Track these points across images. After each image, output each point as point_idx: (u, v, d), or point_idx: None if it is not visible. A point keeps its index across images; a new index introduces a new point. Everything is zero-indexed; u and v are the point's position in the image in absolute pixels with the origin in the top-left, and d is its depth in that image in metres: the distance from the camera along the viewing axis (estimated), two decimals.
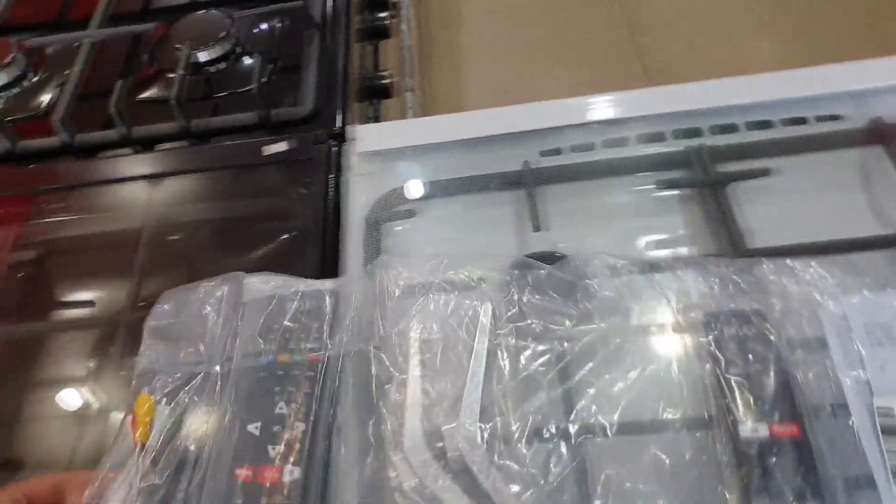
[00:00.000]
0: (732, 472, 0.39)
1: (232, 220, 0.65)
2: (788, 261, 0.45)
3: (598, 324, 0.44)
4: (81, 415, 0.53)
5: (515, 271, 0.47)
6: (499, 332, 0.45)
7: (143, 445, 0.43)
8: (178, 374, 0.47)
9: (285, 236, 0.59)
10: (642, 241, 0.53)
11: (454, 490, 0.39)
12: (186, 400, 0.46)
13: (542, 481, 0.39)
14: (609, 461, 0.40)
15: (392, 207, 0.58)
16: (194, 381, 0.47)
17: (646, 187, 0.56)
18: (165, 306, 0.51)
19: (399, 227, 0.57)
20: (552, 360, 0.44)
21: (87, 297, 0.60)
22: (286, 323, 0.48)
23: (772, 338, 0.42)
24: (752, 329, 0.43)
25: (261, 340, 0.47)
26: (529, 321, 0.45)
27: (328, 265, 0.55)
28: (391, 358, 0.45)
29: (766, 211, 0.53)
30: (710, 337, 0.43)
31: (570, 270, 0.47)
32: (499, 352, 0.44)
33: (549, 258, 0.49)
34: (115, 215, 0.66)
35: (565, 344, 0.44)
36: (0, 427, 0.54)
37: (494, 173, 0.58)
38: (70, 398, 0.54)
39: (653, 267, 0.47)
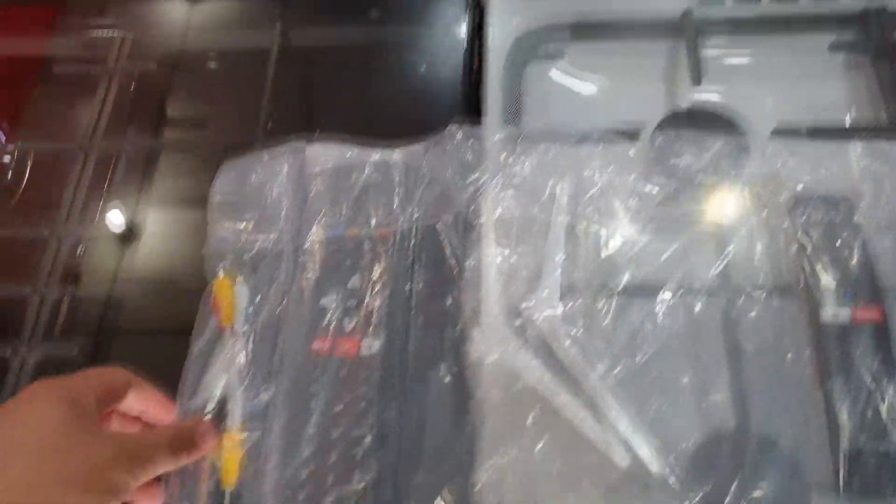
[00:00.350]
0: (812, 352, 0.40)
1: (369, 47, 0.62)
2: (885, 143, 0.43)
3: (685, 205, 0.44)
4: None
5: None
6: (579, 209, 0.44)
7: (230, 329, 0.44)
8: (250, 251, 0.47)
9: (423, 70, 0.58)
10: (801, 106, 0.50)
11: (535, 366, 0.40)
12: (262, 277, 0.46)
13: (626, 359, 0.40)
14: (692, 339, 0.41)
15: (536, 47, 0.55)
16: (267, 257, 0.47)
17: (813, 47, 0.53)
18: (228, 179, 0.50)
19: (543, 70, 0.55)
20: (634, 240, 0.44)
21: None
22: (355, 195, 0.47)
23: (860, 224, 0.42)
24: (840, 215, 0.42)
25: (331, 213, 0.46)
26: (613, 195, 0.44)
27: (470, 104, 0.53)
28: (467, 233, 0.45)
29: None
30: (798, 220, 0.42)
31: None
32: (578, 231, 0.44)
33: (705, 114, 0.48)
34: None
35: (645, 222, 0.44)
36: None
37: (651, 20, 0.54)
38: None
39: (741, 147, 0.45)
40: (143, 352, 0.52)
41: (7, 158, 0.61)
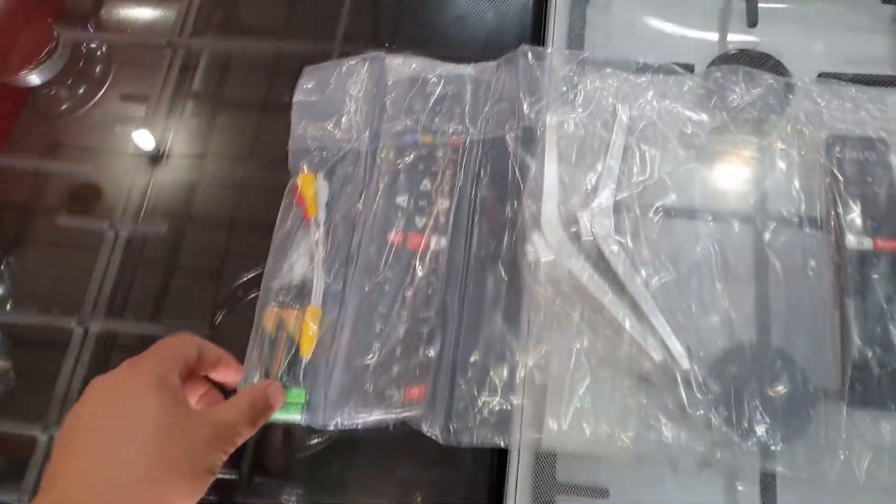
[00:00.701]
0: (833, 275, 0.45)
1: None
2: None
3: (731, 136, 0.48)
4: None
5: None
6: (635, 132, 0.48)
7: (313, 219, 0.49)
8: (331, 151, 0.52)
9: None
10: (848, 55, 0.53)
11: (586, 268, 0.45)
12: (341, 174, 0.51)
13: (667, 269, 0.45)
14: (726, 258, 0.46)
15: None
16: (346, 157, 0.51)
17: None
18: (310, 83, 0.54)
19: (606, 4, 0.57)
20: (682, 163, 0.48)
21: None
22: (430, 105, 0.51)
23: (892, 164, 0.46)
24: (873, 154, 0.46)
25: (406, 120, 0.51)
26: (666, 123, 0.48)
27: (537, 32, 0.57)
28: (531, 145, 0.49)
29: None
30: (834, 156, 0.46)
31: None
32: (635, 150, 0.48)
33: (756, 56, 0.51)
34: None
35: (693, 148, 0.48)
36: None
37: None
38: None
39: (788, 86, 0.49)
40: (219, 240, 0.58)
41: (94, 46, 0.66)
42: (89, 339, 0.53)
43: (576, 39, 0.55)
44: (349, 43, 0.58)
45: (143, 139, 0.60)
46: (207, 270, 0.57)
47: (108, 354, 0.53)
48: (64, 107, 0.63)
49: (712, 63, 0.53)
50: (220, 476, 0.39)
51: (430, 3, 0.63)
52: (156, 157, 0.59)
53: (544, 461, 0.45)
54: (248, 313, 0.49)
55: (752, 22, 0.53)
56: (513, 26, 0.59)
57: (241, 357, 0.46)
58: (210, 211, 0.59)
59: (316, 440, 0.49)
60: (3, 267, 0.58)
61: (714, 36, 0.56)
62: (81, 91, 0.64)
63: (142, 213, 0.57)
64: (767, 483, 0.42)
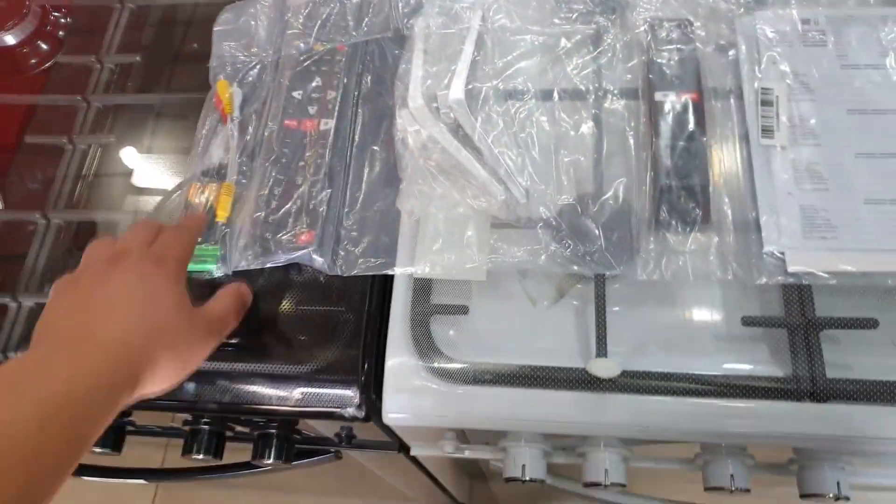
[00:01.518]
0: (646, 123, 0.54)
1: None
2: None
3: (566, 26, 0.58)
4: None
5: None
6: (489, 28, 0.59)
7: (230, 116, 0.60)
8: (243, 65, 0.63)
9: None
10: None
11: (444, 132, 0.55)
12: (253, 82, 0.62)
13: (507, 128, 0.55)
14: (553, 116, 0.56)
15: None
16: (256, 68, 0.62)
17: None
18: (228, 14, 0.65)
19: None
20: (526, 52, 0.58)
21: None
22: (321, 21, 0.62)
23: (694, 37, 0.56)
24: (680, 31, 0.56)
25: (301, 33, 0.61)
26: (515, 21, 0.59)
27: None
28: (402, 44, 0.60)
29: None
30: (648, 35, 0.56)
31: None
32: (487, 41, 0.58)
33: None
34: None
35: (538, 40, 0.59)
36: None
37: None
38: None
39: None
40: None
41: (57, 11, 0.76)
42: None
43: None
44: None
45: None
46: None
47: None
48: (32, 62, 0.74)
49: None
50: None
51: None
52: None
53: (420, 290, 0.53)
54: None
55: None
56: None
57: None
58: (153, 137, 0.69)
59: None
60: None
61: None
62: (46, 48, 0.75)
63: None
64: (599, 287, 0.51)
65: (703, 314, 0.51)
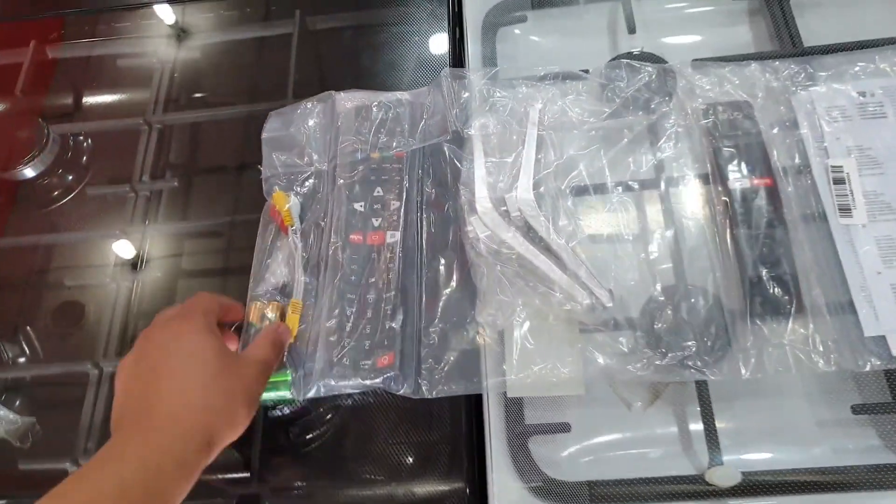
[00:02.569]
0: (723, 211, 0.54)
1: (370, 26, 0.75)
2: (776, 62, 0.58)
3: (623, 118, 0.58)
4: None
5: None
6: (546, 125, 0.58)
7: (291, 228, 0.58)
8: (297, 174, 0.61)
9: (416, 39, 0.71)
10: (715, 45, 0.64)
11: (517, 237, 0.54)
12: (309, 193, 0.60)
13: (579, 227, 0.54)
14: (624, 210, 0.56)
15: (505, 14, 0.69)
16: (311, 178, 0.61)
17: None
18: (275, 122, 0.63)
19: (510, 31, 0.69)
20: (586, 145, 0.58)
21: None
22: (374, 127, 0.60)
23: (756, 119, 0.56)
24: (741, 114, 0.56)
25: (356, 142, 0.60)
26: (571, 115, 0.58)
27: (456, 62, 0.68)
28: (461, 147, 0.58)
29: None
30: (710, 120, 0.56)
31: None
32: (547, 139, 0.58)
33: (640, 56, 0.61)
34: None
35: (596, 133, 0.58)
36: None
37: None
38: None
39: (666, 72, 0.60)
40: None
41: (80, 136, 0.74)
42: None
43: (489, 65, 0.65)
44: (299, 99, 0.66)
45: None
46: None
47: None
48: (56, 193, 0.71)
49: (606, 66, 0.62)
50: (234, 476, 0.50)
51: (363, 53, 0.72)
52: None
53: (512, 408, 0.52)
54: None
55: (631, 29, 0.63)
56: (437, 59, 0.69)
57: None
58: (200, 260, 0.66)
59: (314, 434, 0.57)
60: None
61: (604, 47, 0.66)
62: (71, 178, 0.72)
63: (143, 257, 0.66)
64: (702, 390, 0.49)
65: (806, 403, 0.50)
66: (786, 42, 0.62)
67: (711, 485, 0.46)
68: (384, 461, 0.53)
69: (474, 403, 0.53)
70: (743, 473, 0.46)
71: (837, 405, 0.49)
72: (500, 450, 0.50)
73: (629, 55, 0.62)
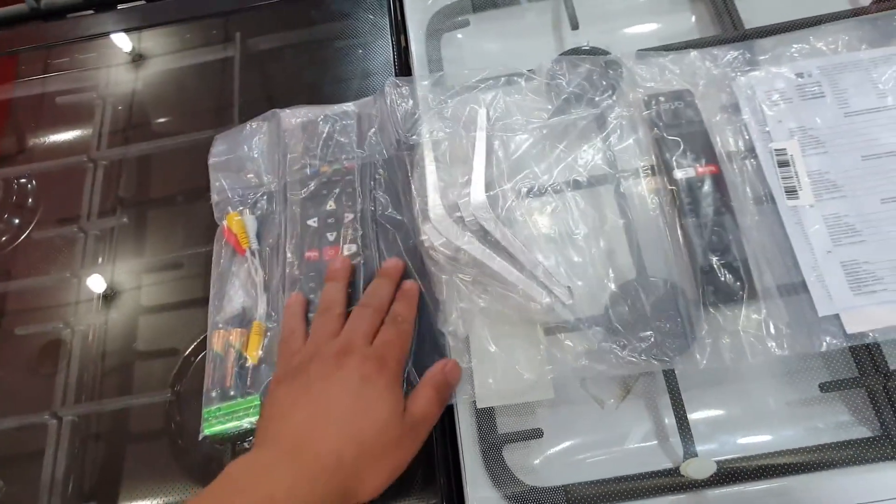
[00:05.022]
0: (670, 202, 0.53)
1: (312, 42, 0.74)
2: (714, 49, 0.58)
3: (569, 114, 0.57)
4: None
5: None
6: (494, 127, 0.57)
7: (248, 250, 0.56)
8: (248, 196, 0.59)
9: (360, 51, 0.70)
10: (657, 34, 0.64)
11: (472, 241, 0.53)
12: (260, 212, 0.58)
13: (534, 228, 0.54)
14: (577, 207, 0.55)
15: (447, 19, 0.68)
16: (262, 198, 0.59)
17: None
18: (221, 146, 0.62)
19: (453, 36, 0.68)
20: (534, 144, 0.57)
21: None
22: (322, 141, 0.59)
23: (698, 107, 0.56)
24: (682, 103, 0.56)
25: (305, 157, 0.58)
26: (517, 116, 0.57)
27: (403, 70, 0.67)
28: (412, 156, 0.57)
29: None
30: (651, 111, 0.56)
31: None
32: (496, 141, 0.57)
33: (584, 51, 0.61)
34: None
35: (543, 131, 0.58)
36: None
37: None
38: None
39: (608, 65, 0.59)
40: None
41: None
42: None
43: (435, 68, 0.64)
44: (247, 120, 0.65)
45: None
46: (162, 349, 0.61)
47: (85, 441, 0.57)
48: (2, 240, 0.68)
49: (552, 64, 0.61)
50: None
51: (309, 70, 0.70)
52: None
53: (484, 418, 0.50)
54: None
55: (574, 25, 0.62)
56: (383, 69, 0.68)
57: None
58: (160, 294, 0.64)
59: None
60: None
61: (550, 45, 0.65)
62: (17, 222, 0.69)
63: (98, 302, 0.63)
64: (671, 382, 0.49)
65: (776, 385, 0.50)
66: (727, 25, 0.62)
67: (688, 478, 0.46)
68: None
69: (446, 417, 0.52)
70: (718, 462, 0.46)
71: (805, 384, 0.49)
72: (474, 461, 0.49)
73: (576, 51, 0.61)
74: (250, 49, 0.75)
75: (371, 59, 0.70)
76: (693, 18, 0.66)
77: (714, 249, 0.51)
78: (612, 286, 0.52)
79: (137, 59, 0.77)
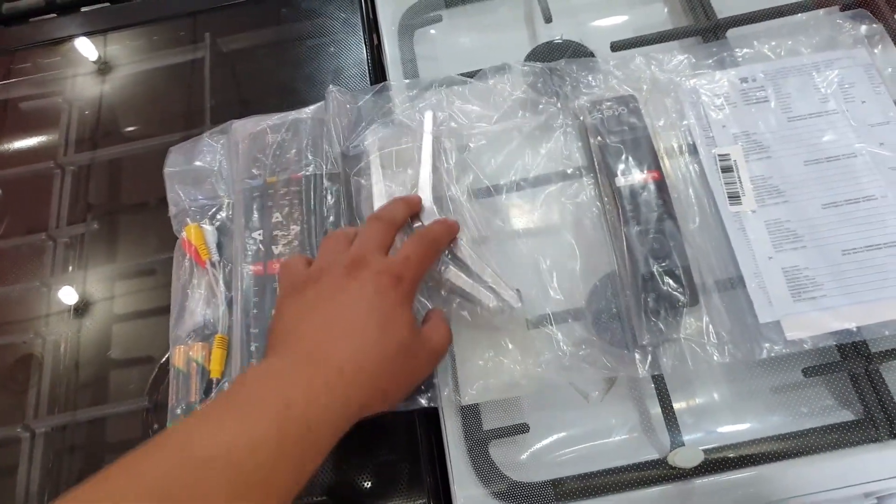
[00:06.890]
0: (610, 209, 0.52)
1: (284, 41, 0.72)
2: (658, 54, 0.56)
3: (513, 119, 0.56)
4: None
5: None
6: (440, 132, 0.56)
7: (208, 261, 0.55)
8: (207, 208, 0.58)
9: (332, 49, 0.68)
10: (630, 25, 0.63)
11: None
12: (220, 224, 0.57)
13: (481, 226, 0.53)
14: (523, 210, 0.54)
15: (419, 15, 0.66)
16: (220, 211, 0.58)
17: None
18: (176, 157, 0.60)
19: (426, 32, 0.66)
20: (478, 148, 0.56)
21: None
22: (271, 150, 0.57)
23: (642, 112, 0.54)
24: (626, 108, 0.55)
25: (252, 168, 0.57)
26: (462, 121, 0.56)
27: (376, 68, 0.66)
28: (358, 164, 0.56)
29: None
30: (595, 117, 0.54)
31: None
32: (442, 146, 0.55)
33: (558, 45, 0.60)
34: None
35: (484, 139, 0.57)
36: None
37: None
38: None
39: (553, 70, 0.58)
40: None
41: None
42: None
43: (409, 68, 0.62)
44: (218, 124, 0.63)
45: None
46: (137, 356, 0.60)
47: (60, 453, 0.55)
48: None
49: (526, 58, 0.60)
50: None
51: (281, 70, 0.69)
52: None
53: (469, 415, 0.49)
54: None
55: (548, 18, 0.61)
56: (356, 68, 0.66)
57: None
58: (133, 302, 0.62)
59: None
60: None
61: (523, 39, 0.63)
62: None
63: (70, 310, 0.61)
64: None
65: (761, 371, 0.50)
66: (699, 15, 0.61)
67: (675, 467, 0.45)
68: (340, 489, 0.50)
69: (431, 416, 0.51)
70: (705, 451, 0.45)
71: (789, 370, 0.49)
72: (460, 459, 0.48)
73: (549, 45, 0.60)
74: (220, 49, 0.73)
75: (344, 57, 0.68)
76: (665, 10, 0.64)
77: (656, 256, 0.50)
78: (559, 295, 0.51)
79: (103, 62, 0.75)
